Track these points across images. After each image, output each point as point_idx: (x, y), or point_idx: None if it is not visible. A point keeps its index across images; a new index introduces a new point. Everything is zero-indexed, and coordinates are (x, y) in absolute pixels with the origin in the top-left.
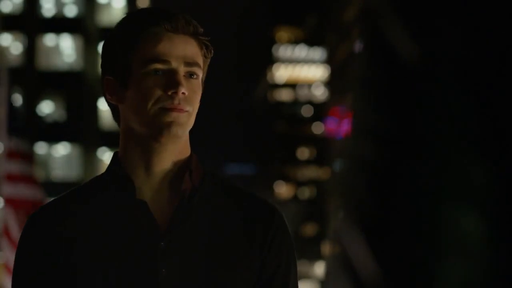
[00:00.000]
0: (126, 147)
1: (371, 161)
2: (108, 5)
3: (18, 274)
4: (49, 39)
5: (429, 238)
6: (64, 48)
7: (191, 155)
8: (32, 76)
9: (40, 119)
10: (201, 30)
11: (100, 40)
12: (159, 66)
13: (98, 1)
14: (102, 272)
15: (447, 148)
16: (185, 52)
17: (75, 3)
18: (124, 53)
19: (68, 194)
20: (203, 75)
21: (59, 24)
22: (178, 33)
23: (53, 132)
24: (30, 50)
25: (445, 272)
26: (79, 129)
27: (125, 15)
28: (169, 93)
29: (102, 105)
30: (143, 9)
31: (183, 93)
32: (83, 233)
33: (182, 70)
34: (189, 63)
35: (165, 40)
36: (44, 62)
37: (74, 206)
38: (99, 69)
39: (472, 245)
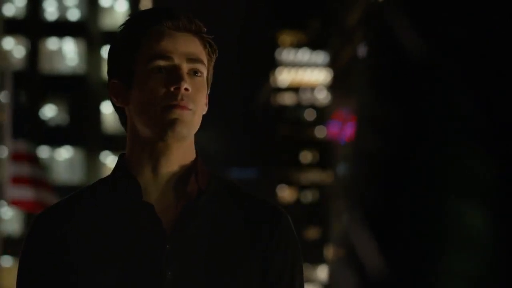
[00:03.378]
0: (133, 149)
1: (377, 156)
2: (111, 8)
3: (23, 275)
4: (52, 43)
5: (435, 233)
6: (67, 52)
7: (196, 158)
8: (35, 80)
9: (43, 122)
10: (204, 29)
11: (103, 44)
12: (161, 63)
13: (101, 5)
14: (107, 273)
15: (453, 143)
16: (188, 49)
17: (78, 7)
18: (128, 53)
19: (73, 196)
20: (208, 75)
21: (62, 28)
22: (181, 31)
23: (56, 135)
24: (33, 54)
25: (452, 267)
26: (82, 133)
27: (128, 17)
28: (172, 88)
29: (105, 109)
30: (145, 10)
31: (186, 89)
32: (88, 234)
33: (185, 67)
34: (193, 59)
35: (167, 37)
36: (47, 66)
37: (79, 207)
38: (103, 73)
39: (478, 240)
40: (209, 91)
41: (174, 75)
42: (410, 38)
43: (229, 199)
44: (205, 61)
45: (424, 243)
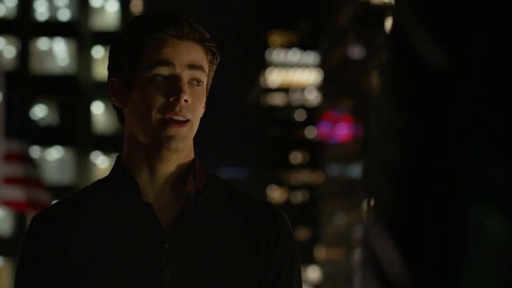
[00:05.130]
0: (130, 150)
1: (397, 162)
2: (101, 9)
3: (21, 276)
4: (42, 43)
5: (458, 241)
6: (58, 52)
7: (194, 159)
8: (25, 80)
9: (33, 123)
10: (208, 36)
11: (94, 44)
12: (162, 70)
13: (92, 5)
14: (106, 273)
15: (475, 152)
16: (189, 58)
17: (68, 7)
18: (129, 57)
19: (72, 196)
20: (208, 80)
21: (52, 28)
22: (183, 39)
23: (46, 136)
24: (24, 54)
25: (472, 273)
26: (73, 133)
27: (132, 19)
28: (171, 99)
29: (96, 109)
30: (150, 14)
31: (185, 100)
32: (87, 234)
33: (186, 76)
34: (194, 66)
35: (170, 45)
36: (38, 66)
37: (78, 208)
38: (93, 73)
39: (501, 248)
40: (207, 94)
41: (174, 86)
42: (430, 47)
43: (227, 200)
44: (206, 68)
45: (447, 252)
